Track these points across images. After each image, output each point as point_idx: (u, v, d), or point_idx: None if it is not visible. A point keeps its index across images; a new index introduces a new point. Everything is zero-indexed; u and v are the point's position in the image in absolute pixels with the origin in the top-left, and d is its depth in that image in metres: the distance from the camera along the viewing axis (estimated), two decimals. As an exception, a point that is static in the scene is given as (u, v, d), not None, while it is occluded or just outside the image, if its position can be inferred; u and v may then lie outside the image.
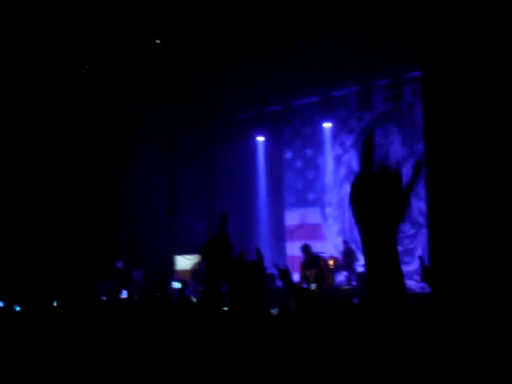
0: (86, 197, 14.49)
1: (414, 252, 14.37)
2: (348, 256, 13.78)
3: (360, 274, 13.31)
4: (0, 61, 12.70)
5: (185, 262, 15.63)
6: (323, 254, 14.54)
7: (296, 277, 13.43)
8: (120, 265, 14.29)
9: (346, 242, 14.19)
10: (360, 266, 14.21)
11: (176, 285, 5.88)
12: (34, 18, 11.78)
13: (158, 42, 12.03)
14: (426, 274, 4.41)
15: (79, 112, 14.48)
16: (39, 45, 12.45)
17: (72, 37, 12.48)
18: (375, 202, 1.62)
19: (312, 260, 10.63)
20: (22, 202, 13.66)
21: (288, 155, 17.16)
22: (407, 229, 14.51)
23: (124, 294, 7.14)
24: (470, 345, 3.13)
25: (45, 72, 13.43)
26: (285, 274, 4.54)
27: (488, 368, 2.79)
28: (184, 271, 15.14)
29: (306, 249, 10.95)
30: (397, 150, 14.91)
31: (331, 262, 13.57)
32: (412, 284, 11.76)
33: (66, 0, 11.16)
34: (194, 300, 6.04)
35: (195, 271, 15.00)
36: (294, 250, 15.65)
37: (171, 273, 12.55)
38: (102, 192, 14.87)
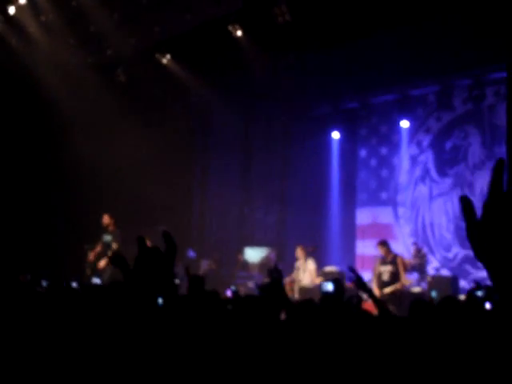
0: (160, 187, 14.69)
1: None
2: (419, 258, 13.54)
3: (432, 276, 13.07)
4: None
5: (254, 255, 15.68)
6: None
7: (367, 275, 13.29)
8: (192, 254, 14.42)
9: (415, 244, 13.95)
10: (432, 268, 13.99)
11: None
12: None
13: (239, 34, 12.08)
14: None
15: (157, 103, 14.69)
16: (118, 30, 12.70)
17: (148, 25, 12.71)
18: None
19: (389, 257, 10.32)
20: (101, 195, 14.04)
21: (363, 153, 16.98)
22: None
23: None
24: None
25: (122, 61, 13.71)
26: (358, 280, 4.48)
27: None
28: (253, 264, 15.19)
29: (384, 244, 10.61)
30: (475, 151, 14.56)
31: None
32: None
33: None
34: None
35: (263, 264, 15.02)
36: (364, 248, 15.52)
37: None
38: (175, 183, 15.04)
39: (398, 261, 10.22)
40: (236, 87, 14.75)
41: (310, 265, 11.95)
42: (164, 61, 13.72)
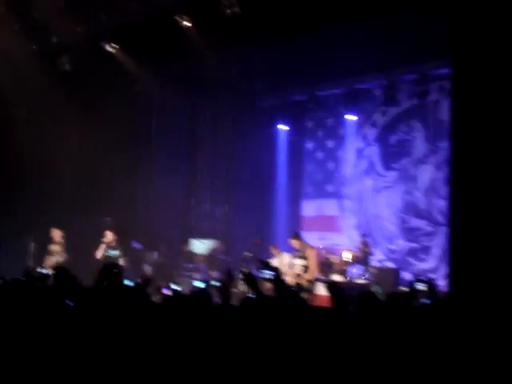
0: (105, 177, 14.52)
1: (430, 250, 14.32)
2: (364, 250, 13.71)
3: (376, 268, 13.24)
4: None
5: (200, 247, 15.65)
6: (338, 247, 14.53)
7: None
8: (137, 245, 14.33)
9: (363, 236, 14.11)
10: (375, 260, 14.19)
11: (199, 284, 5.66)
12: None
13: (188, 24, 11.97)
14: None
15: (103, 92, 14.48)
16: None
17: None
18: None
19: (302, 249, 10.18)
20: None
21: (309, 146, 17.10)
22: (425, 226, 14.44)
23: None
24: (486, 340, 3.11)
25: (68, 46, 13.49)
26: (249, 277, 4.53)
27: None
28: (199, 256, 15.16)
29: (297, 237, 10.44)
30: (419, 146, 14.82)
31: (348, 255, 13.51)
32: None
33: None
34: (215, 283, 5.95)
35: (210, 256, 15.02)
36: (309, 240, 15.57)
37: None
38: (121, 174, 14.87)
39: (310, 252, 10.10)
40: (183, 78, 14.66)
41: (286, 259, 11.82)
42: (110, 50, 13.51)
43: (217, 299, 4.07)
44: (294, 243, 10.25)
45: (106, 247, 12.29)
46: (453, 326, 3.10)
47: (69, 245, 12.56)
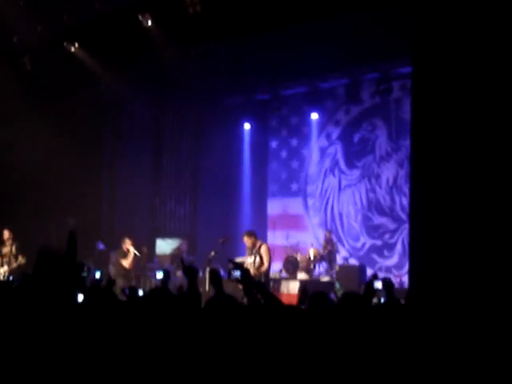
0: (68, 178, 14.37)
1: (394, 247, 14.47)
2: (328, 247, 13.81)
3: (340, 266, 13.35)
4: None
5: (165, 246, 15.60)
6: (304, 245, 14.60)
7: (278, 265, 13.40)
8: (101, 246, 14.23)
9: (328, 232, 14.21)
10: (340, 257, 14.31)
11: (159, 275, 5.61)
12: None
13: (149, 23, 11.91)
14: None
15: (65, 92, 14.34)
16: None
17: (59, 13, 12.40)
18: None
19: (257, 246, 9.91)
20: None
21: (273, 144, 17.16)
22: (389, 224, 14.59)
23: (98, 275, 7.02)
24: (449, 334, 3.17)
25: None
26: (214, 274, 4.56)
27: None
28: (164, 255, 15.11)
29: (251, 235, 10.12)
30: (382, 144, 14.97)
31: (312, 253, 13.60)
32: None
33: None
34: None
35: (175, 256, 14.98)
36: (275, 239, 15.68)
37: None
38: (84, 174, 14.73)
39: (263, 249, 9.88)
40: (147, 77, 14.57)
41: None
42: (72, 49, 13.38)
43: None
44: (246, 240, 10.05)
45: (134, 253, 11.99)
46: (408, 324, 3.15)
47: (30, 246, 12.33)
